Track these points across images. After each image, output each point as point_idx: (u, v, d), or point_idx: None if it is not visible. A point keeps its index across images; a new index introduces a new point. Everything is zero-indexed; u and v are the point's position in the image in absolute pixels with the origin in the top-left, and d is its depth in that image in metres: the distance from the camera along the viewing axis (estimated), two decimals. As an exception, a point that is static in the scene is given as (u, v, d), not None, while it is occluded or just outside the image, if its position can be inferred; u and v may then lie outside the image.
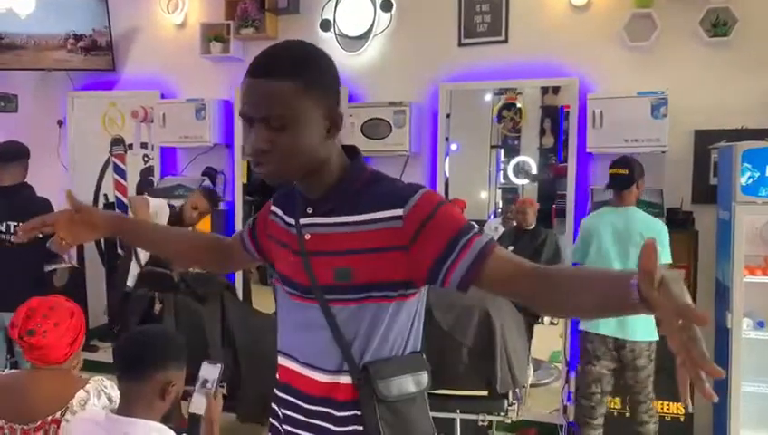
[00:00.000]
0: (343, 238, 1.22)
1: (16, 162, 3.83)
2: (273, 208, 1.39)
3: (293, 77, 1.14)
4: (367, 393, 1.22)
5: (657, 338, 3.22)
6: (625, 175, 3.28)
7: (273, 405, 1.38)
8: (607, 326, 3.22)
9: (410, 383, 1.27)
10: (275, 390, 1.38)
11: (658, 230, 3.20)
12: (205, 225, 4.59)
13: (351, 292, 1.21)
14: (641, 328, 3.20)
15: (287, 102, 1.13)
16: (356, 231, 1.20)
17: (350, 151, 1.29)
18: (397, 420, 1.25)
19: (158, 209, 4.02)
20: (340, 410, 1.25)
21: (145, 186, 5.14)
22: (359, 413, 1.24)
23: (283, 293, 1.34)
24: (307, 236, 1.26)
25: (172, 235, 1.69)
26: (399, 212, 1.16)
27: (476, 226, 1.18)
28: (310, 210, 1.26)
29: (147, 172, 5.21)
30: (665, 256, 3.19)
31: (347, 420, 1.25)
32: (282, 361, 1.35)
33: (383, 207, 1.18)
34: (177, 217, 4.06)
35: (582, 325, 3.36)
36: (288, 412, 1.32)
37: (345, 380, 1.24)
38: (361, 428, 1.24)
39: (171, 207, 4.15)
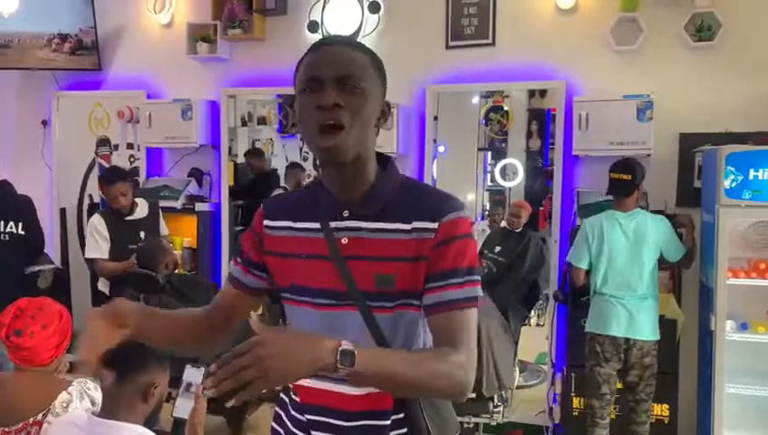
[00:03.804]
0: (385, 245, 1.22)
1: None
2: (269, 223, 1.32)
3: (370, 54, 1.25)
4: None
5: (659, 338, 3.28)
6: (627, 181, 3.27)
7: (293, 427, 1.31)
8: (619, 327, 3.25)
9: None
10: (292, 411, 1.31)
11: (667, 231, 3.28)
12: (191, 226, 4.57)
13: (391, 299, 1.22)
14: (649, 327, 3.26)
15: (365, 70, 1.21)
16: (397, 238, 1.22)
17: (382, 159, 1.30)
18: (437, 416, 1.28)
19: (100, 226, 3.85)
20: (385, 418, 1.24)
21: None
22: (401, 416, 1.25)
23: (303, 308, 1.27)
24: (344, 241, 1.23)
25: (175, 325, 1.42)
26: (433, 225, 1.21)
27: (479, 276, 1.25)
28: (346, 214, 1.24)
29: (132, 173, 5.16)
30: (682, 248, 3.29)
31: (393, 427, 1.25)
32: (302, 380, 1.25)
33: (421, 218, 1.22)
34: (114, 215, 3.87)
35: (590, 328, 3.36)
36: (323, 434, 1.26)
37: None
38: (405, 430, 1.25)
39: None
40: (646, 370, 3.28)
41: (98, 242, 3.83)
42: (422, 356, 1.19)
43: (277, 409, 1.38)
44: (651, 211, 3.64)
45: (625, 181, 3.28)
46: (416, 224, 1.22)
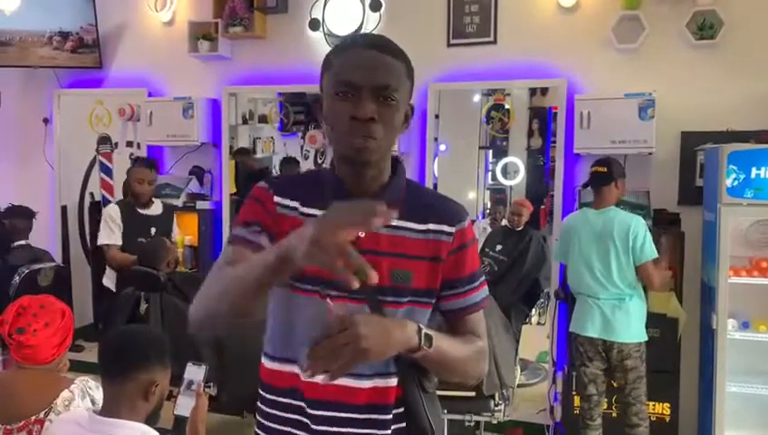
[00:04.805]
0: (402, 242, 1.23)
1: None
2: (279, 200, 1.25)
3: (404, 59, 1.22)
4: (414, 390, 1.26)
5: (645, 339, 3.24)
6: (603, 172, 3.30)
7: (289, 429, 1.27)
8: (593, 328, 3.24)
9: (435, 377, 1.34)
10: (286, 414, 1.27)
11: (635, 229, 3.19)
12: (192, 224, 4.57)
13: (404, 295, 1.23)
14: (626, 330, 3.21)
15: (400, 79, 1.20)
16: (413, 237, 1.24)
17: (391, 160, 1.30)
18: (434, 410, 1.30)
19: (114, 214, 3.91)
20: (387, 412, 1.25)
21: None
22: (401, 411, 1.26)
23: (311, 298, 1.20)
24: (361, 234, 1.18)
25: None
26: (451, 230, 1.26)
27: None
28: None
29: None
30: (647, 254, 3.19)
31: (394, 421, 1.26)
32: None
33: (438, 221, 1.26)
34: (129, 205, 3.95)
35: (571, 327, 3.37)
36: (326, 428, 1.24)
37: (393, 381, 1.25)
38: (404, 425, 1.26)
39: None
40: (628, 373, 3.21)
41: (111, 229, 3.88)
42: (462, 340, 1.28)
43: (259, 418, 1.33)
44: (655, 211, 3.65)
45: (601, 173, 3.31)
46: (431, 225, 1.25)
